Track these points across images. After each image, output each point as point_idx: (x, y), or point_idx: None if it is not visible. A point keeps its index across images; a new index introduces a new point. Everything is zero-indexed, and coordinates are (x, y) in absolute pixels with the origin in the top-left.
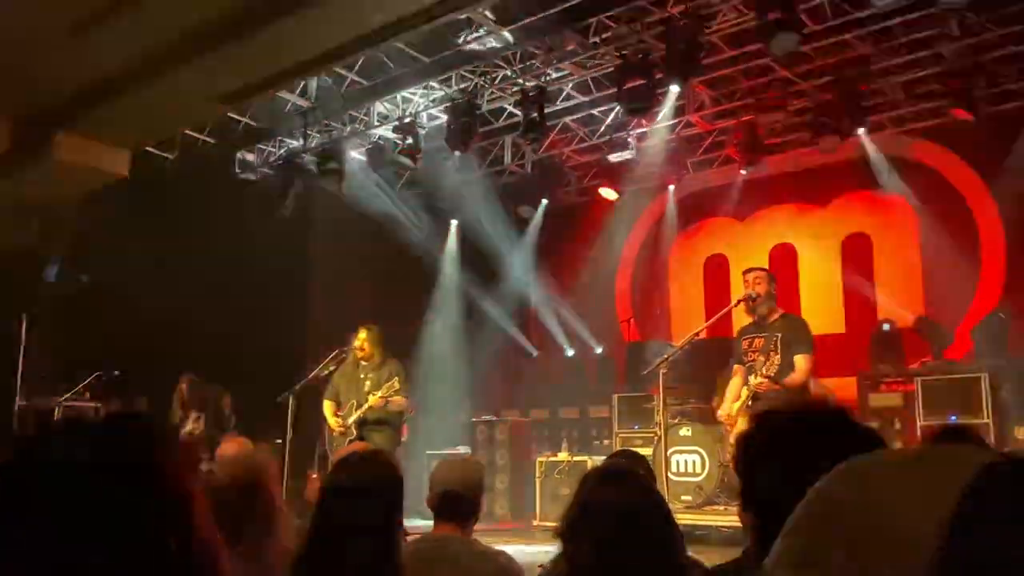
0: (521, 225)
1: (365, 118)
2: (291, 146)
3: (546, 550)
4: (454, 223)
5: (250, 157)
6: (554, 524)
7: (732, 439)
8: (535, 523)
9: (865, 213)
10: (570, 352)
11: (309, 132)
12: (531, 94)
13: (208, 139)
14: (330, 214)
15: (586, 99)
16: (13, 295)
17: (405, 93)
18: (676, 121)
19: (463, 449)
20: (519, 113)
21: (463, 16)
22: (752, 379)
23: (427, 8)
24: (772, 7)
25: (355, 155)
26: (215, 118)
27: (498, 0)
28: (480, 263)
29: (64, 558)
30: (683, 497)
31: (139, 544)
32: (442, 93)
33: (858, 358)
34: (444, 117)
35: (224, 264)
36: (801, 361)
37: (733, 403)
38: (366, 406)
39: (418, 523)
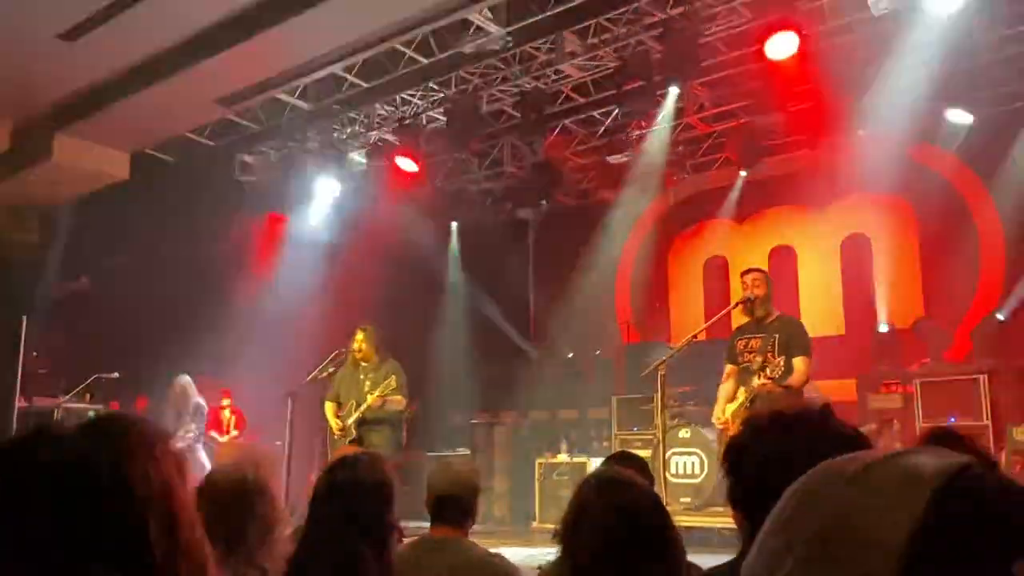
0: (521, 227)
1: (365, 120)
2: (291, 148)
3: (545, 552)
4: (454, 225)
5: (249, 159)
6: (553, 526)
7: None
8: (534, 525)
9: (864, 215)
10: (569, 354)
11: (309, 134)
12: (530, 96)
13: (208, 141)
14: (329, 215)
15: (585, 101)
16: (13, 296)
17: (404, 95)
18: (675, 123)
19: (462, 451)
20: (518, 115)
21: (462, 18)
22: (755, 380)
23: (427, 10)
24: (770, 10)
25: (355, 157)
26: (214, 120)
27: (497, 1)
28: (479, 264)
29: (43, 565)
30: (682, 499)
31: (122, 551)
32: (442, 95)
33: (858, 360)
34: (443, 119)
35: (224, 266)
36: (800, 363)
37: (727, 404)
38: (364, 406)
39: (422, 525)
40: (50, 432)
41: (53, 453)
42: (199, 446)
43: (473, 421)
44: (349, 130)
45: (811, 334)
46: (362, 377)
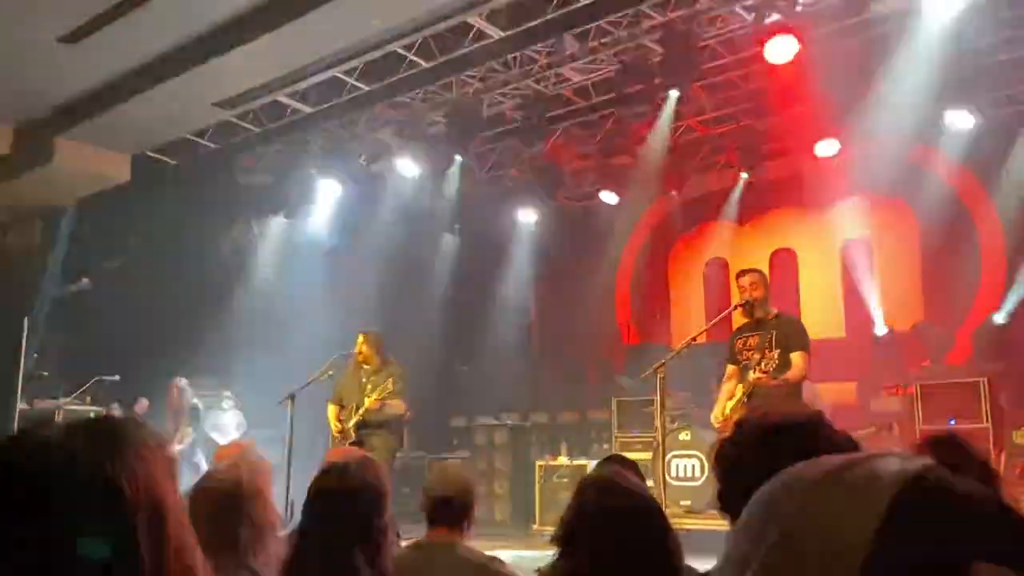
0: (522, 229)
1: (366, 123)
2: (291, 150)
3: (546, 555)
4: (456, 227)
5: (251, 162)
6: (553, 529)
7: None
8: (534, 528)
9: (865, 218)
10: (571, 356)
11: (310, 137)
12: (531, 99)
13: (209, 144)
14: (330, 218)
15: (586, 104)
16: (15, 298)
17: (405, 98)
18: (676, 125)
19: (463, 453)
20: (519, 118)
21: (463, 21)
22: (750, 374)
23: (428, 13)
24: (771, 12)
25: (356, 160)
26: (216, 122)
27: (498, 5)
28: (481, 267)
29: (29, 566)
30: (682, 502)
31: (109, 554)
32: (443, 98)
33: (858, 363)
34: (444, 122)
35: (225, 268)
36: (798, 358)
37: (727, 402)
38: (362, 409)
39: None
40: (37, 433)
41: (40, 454)
42: (198, 449)
43: (474, 424)
44: (350, 133)
45: (812, 337)
46: (363, 380)
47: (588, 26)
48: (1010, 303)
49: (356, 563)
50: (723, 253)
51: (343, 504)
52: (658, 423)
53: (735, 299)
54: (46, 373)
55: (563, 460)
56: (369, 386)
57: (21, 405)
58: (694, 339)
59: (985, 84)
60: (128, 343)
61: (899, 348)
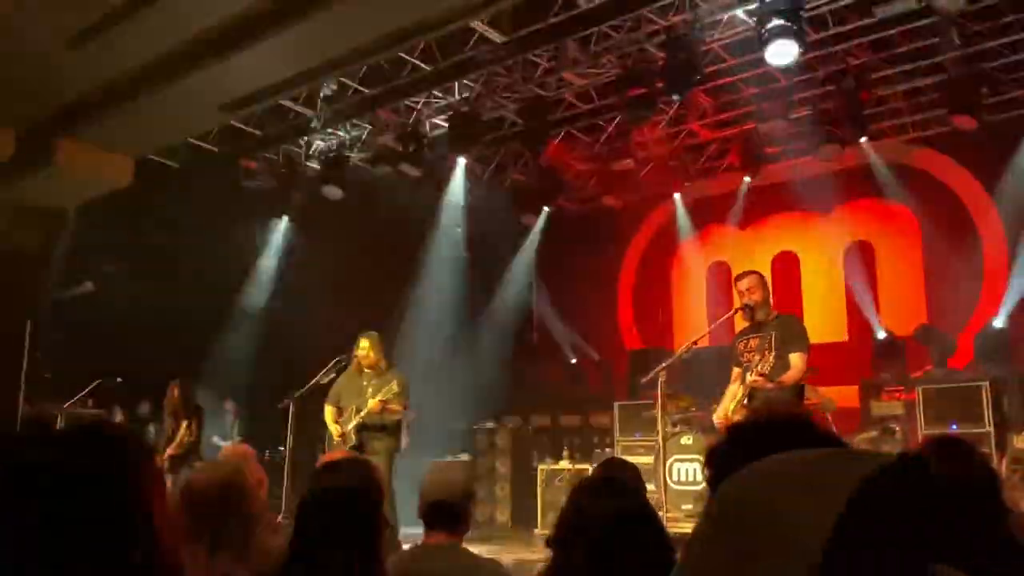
0: (524, 232)
1: (368, 126)
2: (295, 154)
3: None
4: (459, 230)
5: (254, 165)
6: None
7: None
8: (536, 531)
9: (868, 221)
10: (572, 359)
11: (313, 140)
12: (533, 103)
13: (212, 147)
14: (333, 222)
15: (588, 108)
16: (17, 301)
17: (408, 102)
18: (678, 129)
19: (464, 456)
20: (521, 121)
21: (466, 26)
22: (748, 376)
23: (430, 17)
24: (773, 17)
25: (358, 163)
26: (218, 126)
27: (500, 9)
28: (483, 270)
29: (22, 567)
30: (683, 506)
31: (102, 554)
32: (445, 101)
33: (860, 366)
34: (447, 125)
35: (227, 271)
36: (796, 359)
37: (729, 404)
38: (364, 411)
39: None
40: (32, 437)
41: (34, 457)
42: (197, 451)
43: (475, 427)
44: (353, 136)
45: (814, 340)
46: (365, 384)
47: (590, 31)
48: (1008, 305)
49: (351, 565)
50: (725, 257)
51: (338, 506)
52: (659, 426)
53: (737, 303)
54: (48, 375)
55: (565, 464)
56: (370, 389)
57: (23, 407)
58: (694, 343)
59: (989, 87)
60: (130, 346)
61: (902, 352)
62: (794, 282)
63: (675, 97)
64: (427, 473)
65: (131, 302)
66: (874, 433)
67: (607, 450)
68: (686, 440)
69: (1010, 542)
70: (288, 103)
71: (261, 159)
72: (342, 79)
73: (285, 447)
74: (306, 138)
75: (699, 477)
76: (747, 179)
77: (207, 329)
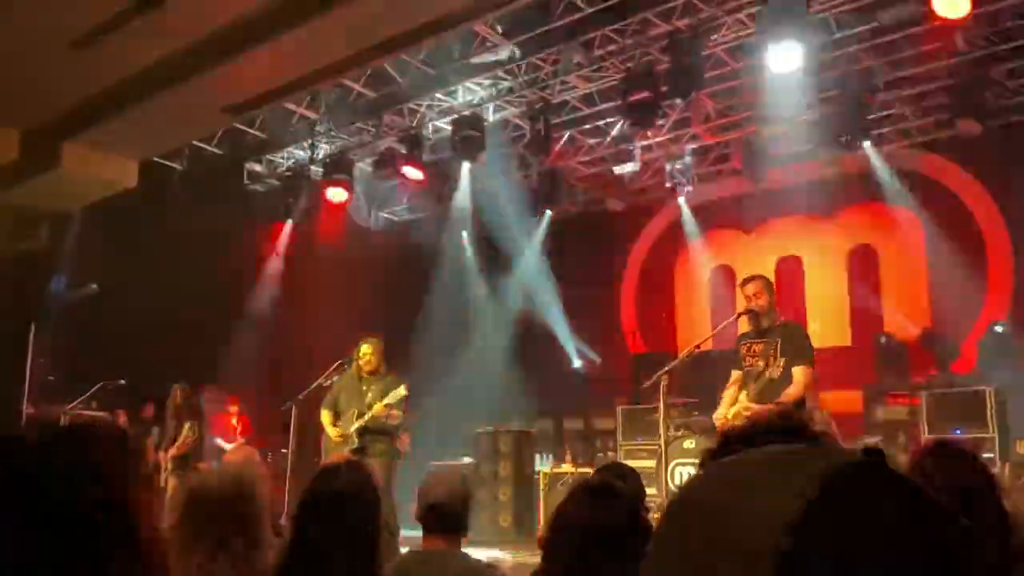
0: (527, 236)
1: (372, 129)
2: (299, 157)
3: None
4: (464, 234)
5: (258, 168)
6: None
7: None
8: (539, 535)
9: (871, 225)
10: (576, 363)
11: (316, 143)
12: (536, 106)
13: (216, 150)
14: (336, 224)
15: (591, 111)
16: (21, 303)
17: (412, 105)
18: (681, 133)
19: (466, 460)
20: (524, 125)
21: (470, 29)
22: (753, 384)
23: (434, 20)
24: (776, 21)
25: (362, 166)
26: (223, 129)
27: (504, 13)
28: (486, 273)
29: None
30: None
31: (78, 557)
32: (448, 105)
33: (864, 371)
34: (450, 128)
35: (231, 273)
36: (799, 374)
37: (729, 407)
38: (368, 415)
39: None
40: (11, 439)
41: (12, 460)
42: (199, 453)
43: (478, 430)
44: (357, 139)
45: (817, 345)
46: (365, 388)
47: (594, 34)
48: (1012, 310)
49: (348, 568)
50: (729, 260)
51: (335, 509)
52: (661, 431)
53: (740, 307)
54: (52, 377)
55: (567, 467)
56: (371, 393)
57: (27, 409)
58: (697, 347)
59: (993, 92)
60: (134, 348)
61: (905, 356)
62: (798, 286)
63: (678, 101)
64: (426, 477)
65: (135, 304)
66: (878, 438)
67: (610, 454)
68: (688, 444)
69: (1007, 546)
70: (292, 106)
71: (265, 162)
72: (346, 82)
73: (287, 449)
74: (310, 141)
75: None
76: (751, 183)
77: (210, 332)
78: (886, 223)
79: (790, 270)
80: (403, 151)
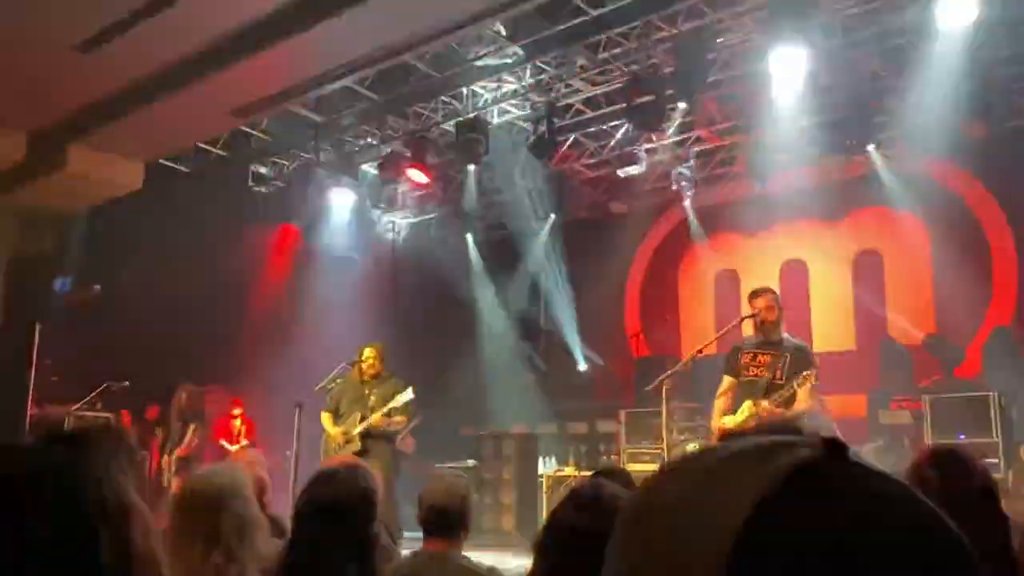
0: (531, 239)
1: (377, 132)
2: (304, 159)
3: None
4: (469, 237)
5: (263, 170)
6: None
7: None
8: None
9: (876, 230)
10: (580, 367)
11: (322, 146)
12: (541, 109)
13: (221, 152)
14: (342, 227)
15: (596, 114)
16: (26, 304)
17: (416, 107)
18: (686, 136)
19: (470, 463)
20: (529, 128)
21: (474, 32)
22: (764, 403)
23: (439, 23)
24: (781, 24)
25: (367, 169)
26: (228, 131)
27: (509, 16)
28: (490, 276)
29: None
30: None
31: (71, 565)
32: (453, 107)
33: (868, 375)
34: (455, 131)
35: (236, 276)
36: (805, 394)
37: (721, 418)
38: (374, 416)
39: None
40: (7, 440)
41: (6, 461)
42: (203, 454)
43: (481, 433)
44: (362, 142)
45: (822, 349)
46: (367, 391)
47: (598, 37)
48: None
49: (346, 570)
50: (733, 264)
51: (333, 511)
52: (664, 435)
53: (745, 312)
54: (56, 378)
55: (571, 471)
56: (373, 397)
57: (32, 410)
58: (700, 351)
59: (999, 96)
60: (138, 350)
61: (909, 361)
62: (802, 290)
63: (682, 104)
64: (427, 480)
65: (139, 306)
66: (881, 443)
67: (613, 457)
68: (692, 448)
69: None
70: (298, 108)
71: (270, 164)
72: (351, 85)
73: (292, 451)
74: (315, 144)
75: None
76: (755, 186)
77: (215, 333)
78: (891, 227)
79: (795, 274)
80: (408, 154)
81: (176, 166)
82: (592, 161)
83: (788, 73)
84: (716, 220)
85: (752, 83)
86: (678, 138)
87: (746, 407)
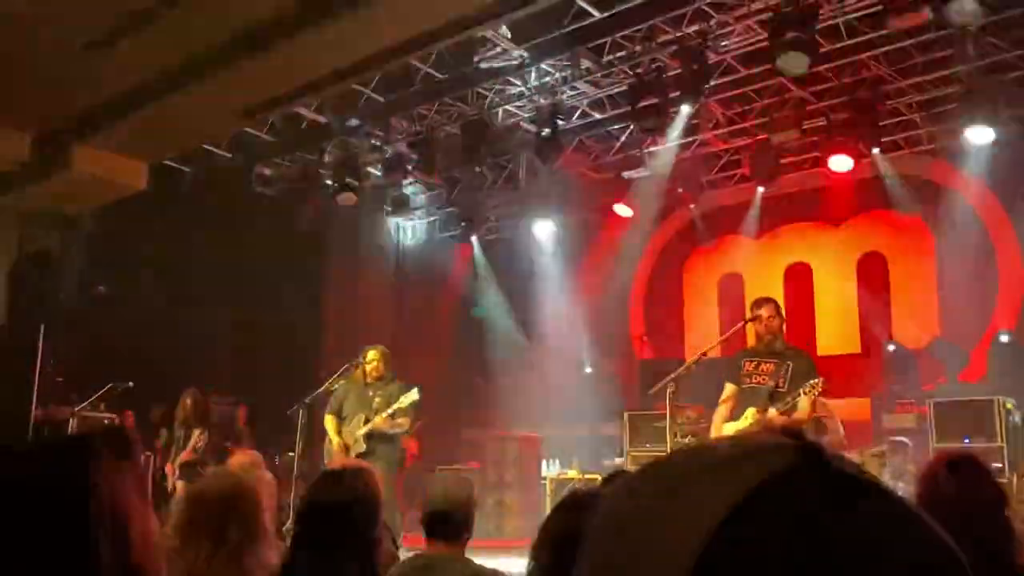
0: (536, 241)
1: (381, 134)
2: (308, 161)
3: None
4: (473, 239)
5: (267, 172)
6: None
7: None
8: None
9: (881, 233)
10: (585, 369)
11: (326, 147)
12: (546, 112)
13: (226, 153)
14: (346, 229)
15: (600, 117)
16: (31, 305)
17: (421, 109)
18: (691, 139)
19: (472, 465)
20: (534, 130)
21: (479, 34)
22: (771, 411)
23: (444, 25)
24: (786, 27)
25: (371, 170)
26: (233, 133)
27: (514, 19)
28: (494, 278)
29: None
30: None
31: (70, 570)
32: (458, 110)
33: (873, 379)
34: (459, 133)
35: (240, 277)
36: (806, 404)
37: (725, 423)
38: (370, 425)
39: None
40: (9, 445)
41: (7, 465)
42: (207, 460)
43: (485, 435)
44: (366, 144)
45: (826, 352)
46: (371, 394)
47: (603, 40)
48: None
49: (348, 572)
50: (738, 267)
51: (336, 513)
52: (668, 438)
53: (748, 315)
54: (61, 379)
55: (574, 473)
56: (377, 399)
57: (36, 411)
58: (704, 354)
59: (1005, 100)
60: (143, 351)
61: (914, 365)
62: (807, 293)
63: (686, 107)
64: (429, 482)
65: (144, 307)
66: (885, 447)
67: (616, 460)
68: (677, 446)
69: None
70: (302, 110)
71: (274, 166)
72: (356, 86)
73: (294, 453)
74: (320, 145)
75: None
76: (760, 189)
77: (219, 335)
78: (896, 230)
79: (799, 277)
80: (413, 156)
81: (181, 167)
82: (597, 163)
83: (792, 77)
84: (720, 223)
85: (756, 86)
86: (682, 141)
87: (750, 414)
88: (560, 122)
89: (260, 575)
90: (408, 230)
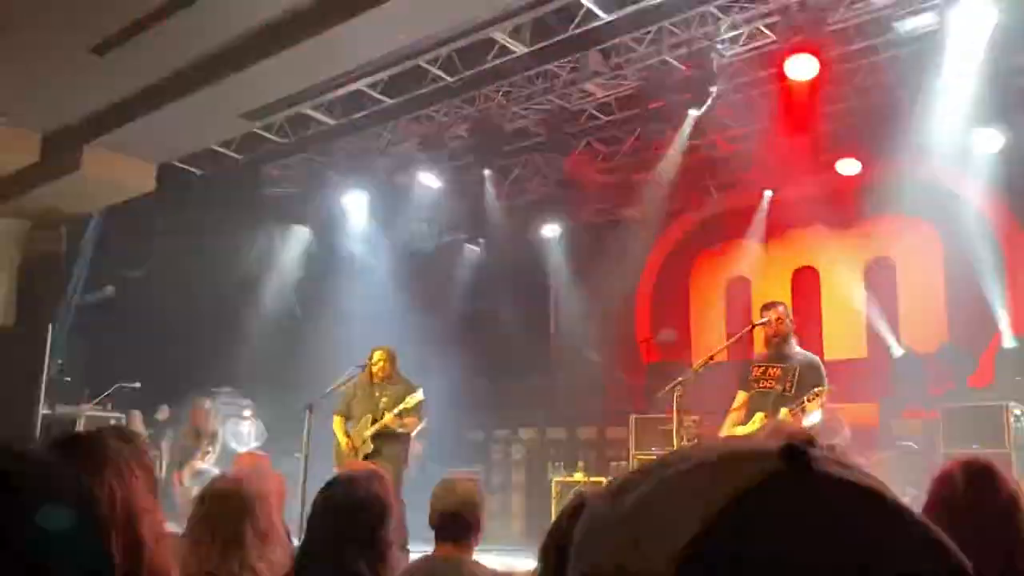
0: (543, 244)
1: (389, 136)
2: (317, 162)
3: None
4: (478, 241)
5: (275, 173)
6: None
7: None
8: None
9: (889, 237)
10: (592, 372)
11: (334, 149)
12: (554, 114)
13: (234, 154)
14: (354, 230)
15: (608, 119)
16: (39, 305)
17: (429, 112)
18: (699, 142)
19: (479, 468)
20: (542, 132)
21: (487, 36)
22: (783, 412)
23: (452, 28)
24: (794, 30)
25: (379, 172)
26: (241, 133)
27: (522, 21)
28: (501, 281)
29: None
30: None
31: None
32: (466, 112)
33: (880, 384)
34: (467, 136)
35: (248, 278)
36: (815, 408)
37: (734, 426)
38: (380, 424)
39: None
40: (18, 445)
41: (17, 466)
42: (216, 469)
43: (491, 438)
44: (374, 146)
45: (833, 357)
46: (378, 394)
47: (611, 42)
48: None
49: (358, 573)
50: (745, 271)
51: (347, 516)
52: (675, 442)
53: (755, 319)
54: (69, 379)
55: (580, 476)
56: (384, 399)
57: (44, 410)
58: (711, 358)
59: (1014, 104)
60: (150, 351)
61: (922, 370)
62: (814, 298)
63: (694, 110)
64: (437, 484)
65: (152, 307)
66: (893, 452)
67: (623, 463)
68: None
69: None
70: (310, 111)
71: (282, 167)
72: (364, 88)
73: (301, 454)
74: (328, 147)
75: None
76: (768, 193)
77: (226, 335)
78: (904, 235)
79: (806, 281)
80: (420, 157)
81: (189, 168)
82: (605, 166)
83: (801, 79)
84: (727, 227)
85: (764, 89)
86: (690, 144)
87: (758, 418)
88: (567, 124)
89: (272, 569)
90: (416, 231)
